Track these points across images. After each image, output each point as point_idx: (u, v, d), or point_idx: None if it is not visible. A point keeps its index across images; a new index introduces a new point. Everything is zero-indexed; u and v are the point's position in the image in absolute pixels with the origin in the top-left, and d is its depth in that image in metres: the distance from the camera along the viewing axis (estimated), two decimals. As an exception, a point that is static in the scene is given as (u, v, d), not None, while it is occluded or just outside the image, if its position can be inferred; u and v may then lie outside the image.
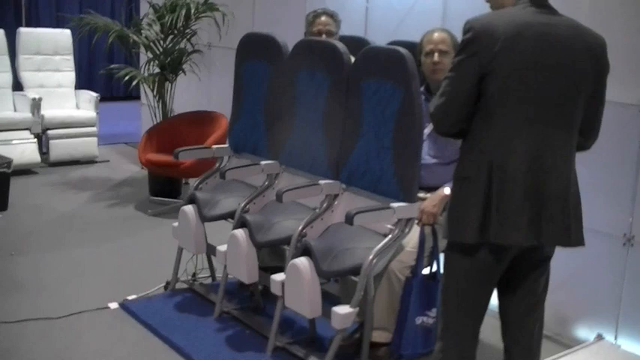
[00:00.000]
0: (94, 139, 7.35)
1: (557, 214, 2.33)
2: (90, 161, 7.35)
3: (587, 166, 2.47)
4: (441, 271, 3.22)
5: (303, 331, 3.61)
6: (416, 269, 3.17)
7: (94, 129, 7.34)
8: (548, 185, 2.31)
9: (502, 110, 2.28)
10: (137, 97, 7.85)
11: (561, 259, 2.60)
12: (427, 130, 3.36)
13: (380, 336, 3.24)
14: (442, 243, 3.22)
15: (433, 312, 3.18)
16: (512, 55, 2.24)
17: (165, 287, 4.16)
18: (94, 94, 7.48)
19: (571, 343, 3.54)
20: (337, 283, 3.72)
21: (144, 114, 7.01)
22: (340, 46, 3.53)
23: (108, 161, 7.45)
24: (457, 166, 2.45)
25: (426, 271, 3.27)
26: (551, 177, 2.32)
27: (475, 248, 2.35)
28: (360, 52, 3.44)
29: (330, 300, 3.27)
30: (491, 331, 2.71)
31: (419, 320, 3.17)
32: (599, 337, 1.97)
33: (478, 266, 2.39)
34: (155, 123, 6.22)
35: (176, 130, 5.89)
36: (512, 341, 2.56)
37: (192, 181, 4.46)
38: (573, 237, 2.38)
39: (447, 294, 2.51)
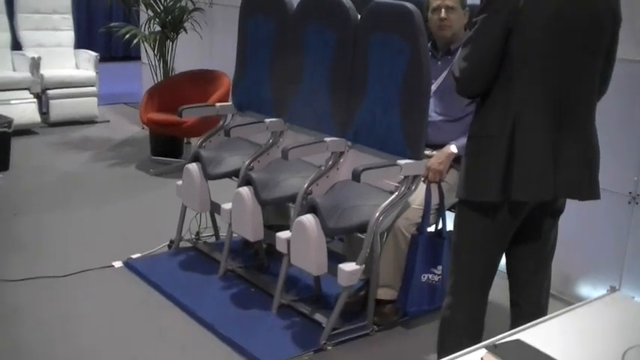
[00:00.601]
0: (94, 99, 7.31)
1: (578, 168, 2.32)
2: (90, 121, 7.30)
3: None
4: (447, 228, 3.23)
5: (307, 288, 3.61)
6: (422, 226, 3.17)
7: (93, 89, 7.28)
8: (570, 140, 2.29)
9: (525, 66, 2.23)
10: (136, 58, 7.77)
11: (566, 218, 2.58)
12: (434, 87, 3.33)
13: (385, 293, 3.25)
14: (448, 200, 3.24)
15: (439, 269, 3.20)
16: (537, 10, 2.19)
17: (169, 246, 4.16)
18: (94, 54, 7.41)
19: (573, 301, 3.54)
20: (341, 242, 3.72)
21: (144, 73, 6.96)
22: (346, 1, 3.48)
23: (108, 121, 7.41)
24: (474, 125, 2.38)
25: (431, 228, 3.28)
26: (572, 131, 2.29)
27: (495, 206, 2.33)
28: (367, 8, 3.39)
29: (334, 258, 3.26)
30: (498, 292, 2.70)
31: (424, 278, 3.19)
32: (613, 289, 1.96)
33: (496, 223, 2.36)
34: (156, 82, 6.16)
35: (178, 89, 5.83)
36: (520, 297, 2.55)
37: (194, 141, 4.43)
38: (589, 190, 2.37)
39: (459, 251, 2.48)
